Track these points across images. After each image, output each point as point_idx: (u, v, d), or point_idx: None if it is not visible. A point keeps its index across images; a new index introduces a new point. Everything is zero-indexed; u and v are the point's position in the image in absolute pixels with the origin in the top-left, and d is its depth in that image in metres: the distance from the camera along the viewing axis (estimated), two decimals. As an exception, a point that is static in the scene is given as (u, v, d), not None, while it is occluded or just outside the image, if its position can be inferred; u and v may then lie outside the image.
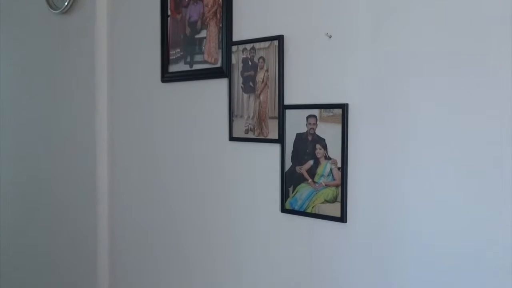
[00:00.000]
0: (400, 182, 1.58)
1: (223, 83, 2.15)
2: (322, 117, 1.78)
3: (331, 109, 1.73)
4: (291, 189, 1.90)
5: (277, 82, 1.92)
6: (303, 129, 1.84)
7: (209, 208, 2.23)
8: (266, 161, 1.99)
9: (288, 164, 1.91)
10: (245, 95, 2.01)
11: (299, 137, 1.85)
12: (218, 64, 2.15)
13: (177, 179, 2.37)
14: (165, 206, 2.43)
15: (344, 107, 1.70)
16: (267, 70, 1.95)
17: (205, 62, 2.21)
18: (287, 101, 1.92)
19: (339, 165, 1.73)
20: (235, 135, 2.12)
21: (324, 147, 1.77)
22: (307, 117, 1.82)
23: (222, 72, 2.13)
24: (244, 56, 2.02)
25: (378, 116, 1.63)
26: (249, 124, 2.01)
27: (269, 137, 1.97)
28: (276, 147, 1.96)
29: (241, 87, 2.04)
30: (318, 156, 1.79)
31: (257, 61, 1.97)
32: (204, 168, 2.26)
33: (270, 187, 1.99)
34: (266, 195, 2.01)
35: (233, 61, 2.09)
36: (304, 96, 1.86)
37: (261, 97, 1.96)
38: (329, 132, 1.74)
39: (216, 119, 2.20)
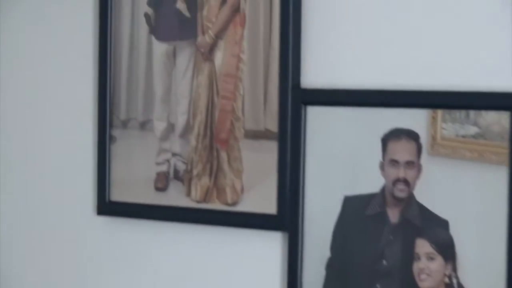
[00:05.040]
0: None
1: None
2: (437, 140, 0.96)
3: (471, 112, 0.95)
4: None
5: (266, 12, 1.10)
6: (374, 184, 1.02)
7: None
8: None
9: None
10: (161, 46, 1.14)
11: (355, 209, 1.04)
12: None
13: None
14: None
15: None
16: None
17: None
18: (308, 80, 1.09)
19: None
20: (114, 196, 1.16)
21: (446, 251, 0.96)
22: (385, 140, 1.00)
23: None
24: None
25: None
26: (170, 153, 1.13)
27: (241, 208, 1.08)
28: (275, 245, 1.09)
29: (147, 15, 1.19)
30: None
31: None
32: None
33: None
34: None
35: None
36: (367, 67, 1.06)
37: (217, 61, 1.10)
38: (459, 191, 0.95)
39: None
